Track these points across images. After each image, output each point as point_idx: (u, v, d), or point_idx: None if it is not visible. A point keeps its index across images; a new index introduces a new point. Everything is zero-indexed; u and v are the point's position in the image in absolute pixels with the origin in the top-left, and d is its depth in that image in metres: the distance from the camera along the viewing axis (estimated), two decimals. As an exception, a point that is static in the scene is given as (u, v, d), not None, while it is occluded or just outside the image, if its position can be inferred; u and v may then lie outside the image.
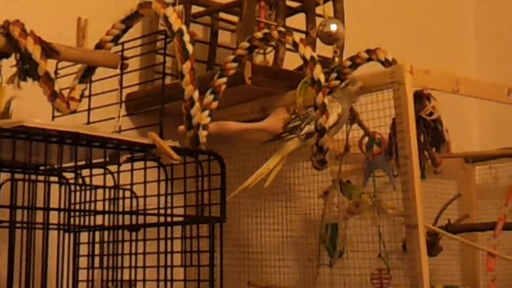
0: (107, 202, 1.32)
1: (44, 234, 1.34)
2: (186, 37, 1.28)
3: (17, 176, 1.17)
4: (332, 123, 1.43)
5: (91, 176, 1.31)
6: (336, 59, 1.64)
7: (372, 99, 1.49)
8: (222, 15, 1.76)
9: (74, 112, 1.31)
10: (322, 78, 1.40)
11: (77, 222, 1.38)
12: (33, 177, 1.33)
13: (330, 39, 1.61)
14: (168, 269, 1.28)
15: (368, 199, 1.59)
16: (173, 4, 1.40)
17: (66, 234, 1.39)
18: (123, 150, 1.22)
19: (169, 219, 1.28)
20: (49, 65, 1.22)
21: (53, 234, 1.36)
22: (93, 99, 1.39)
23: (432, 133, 1.48)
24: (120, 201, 1.32)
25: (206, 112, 1.45)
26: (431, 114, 1.48)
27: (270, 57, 1.66)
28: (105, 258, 1.35)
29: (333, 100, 1.44)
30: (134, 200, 1.33)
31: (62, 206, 1.35)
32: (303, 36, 1.61)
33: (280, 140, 1.44)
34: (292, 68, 1.63)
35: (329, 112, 1.40)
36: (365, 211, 1.60)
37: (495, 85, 1.61)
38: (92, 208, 1.34)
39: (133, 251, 1.33)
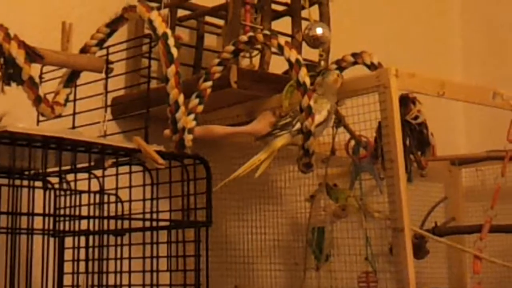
0: (92, 207, 1.31)
1: (29, 239, 1.34)
2: (171, 41, 1.28)
3: (1, 181, 1.17)
4: (323, 119, 1.43)
5: (75, 180, 1.31)
6: (322, 62, 1.64)
7: (358, 102, 1.49)
8: (208, 18, 1.76)
9: (59, 116, 1.31)
10: (307, 81, 1.40)
11: (62, 227, 1.37)
12: (17, 182, 1.32)
13: (316, 42, 1.61)
14: (154, 274, 1.27)
15: (354, 202, 1.59)
16: (158, 8, 1.40)
17: (51, 239, 1.38)
18: (108, 154, 1.22)
19: (154, 223, 1.28)
20: (34, 69, 1.21)
21: (37, 240, 1.36)
22: (78, 104, 1.38)
23: (418, 137, 1.49)
24: (106, 206, 1.31)
25: (192, 116, 1.44)
26: (416, 117, 1.48)
27: (256, 60, 1.66)
28: (90, 263, 1.34)
29: (321, 97, 1.45)
30: (120, 204, 1.33)
31: (47, 211, 1.34)
32: (289, 39, 1.60)
33: (271, 138, 1.44)
34: (278, 71, 1.62)
35: (319, 110, 1.41)
36: (352, 215, 1.60)
37: (480, 89, 1.62)
38: (77, 213, 1.34)
39: (119, 256, 1.32)
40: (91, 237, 1.35)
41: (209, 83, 1.48)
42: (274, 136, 1.43)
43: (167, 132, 1.32)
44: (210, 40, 1.79)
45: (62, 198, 1.37)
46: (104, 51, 1.37)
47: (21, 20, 1.54)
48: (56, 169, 1.21)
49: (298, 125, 1.42)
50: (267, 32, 1.47)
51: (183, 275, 1.26)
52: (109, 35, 1.40)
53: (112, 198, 1.32)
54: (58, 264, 1.39)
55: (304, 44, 1.63)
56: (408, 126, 1.47)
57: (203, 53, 1.76)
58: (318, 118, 1.42)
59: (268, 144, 1.43)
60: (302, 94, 1.39)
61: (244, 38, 1.47)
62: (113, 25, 1.40)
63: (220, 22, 1.72)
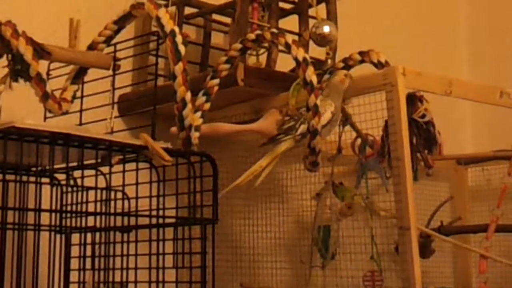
0: (99, 204, 1.31)
1: (36, 235, 1.34)
2: (179, 38, 1.28)
3: (8, 177, 1.17)
4: (326, 121, 1.43)
5: (82, 177, 1.31)
6: (329, 61, 1.64)
7: (365, 101, 1.49)
8: (215, 16, 1.76)
9: (66, 113, 1.31)
10: (314, 79, 1.40)
11: (68, 224, 1.38)
12: (24, 178, 1.32)
13: (323, 41, 1.61)
14: (160, 271, 1.27)
15: (360, 201, 1.59)
16: (166, 6, 1.40)
17: (58, 236, 1.38)
18: (115, 151, 1.22)
19: (161, 220, 1.27)
20: (41, 66, 1.21)
21: (44, 236, 1.36)
22: (85, 100, 1.38)
23: (425, 135, 1.49)
24: (112, 203, 1.31)
25: (199, 114, 1.45)
26: (423, 116, 1.48)
27: (263, 58, 1.66)
28: (96, 259, 1.35)
29: (325, 99, 1.45)
30: (126, 201, 1.33)
31: (53, 208, 1.35)
32: (296, 37, 1.60)
33: (276, 142, 1.44)
34: (285, 70, 1.62)
35: (322, 112, 1.40)
36: (358, 213, 1.60)
37: (487, 87, 1.61)
38: (84, 209, 1.34)
39: (125, 252, 1.32)
40: (97, 234, 1.35)
41: (216, 80, 1.49)
42: (279, 141, 1.43)
43: (174, 129, 1.32)
44: (217, 38, 1.79)
45: (69, 195, 1.37)
46: (111, 48, 1.37)
47: (29, 16, 1.54)
48: (63, 165, 1.21)
49: (301, 129, 1.43)
50: (274, 30, 1.47)
51: (189, 272, 1.27)
52: (116, 32, 1.40)
53: (119, 195, 1.32)
54: (65, 261, 1.39)
55: (311, 42, 1.63)
56: (415, 124, 1.46)
57: (210, 51, 1.76)
58: (322, 120, 1.42)
59: (271, 149, 1.43)
60: (309, 92, 1.39)
61: (251, 36, 1.47)
62: (120, 22, 1.40)
63: (227, 20, 1.72)
